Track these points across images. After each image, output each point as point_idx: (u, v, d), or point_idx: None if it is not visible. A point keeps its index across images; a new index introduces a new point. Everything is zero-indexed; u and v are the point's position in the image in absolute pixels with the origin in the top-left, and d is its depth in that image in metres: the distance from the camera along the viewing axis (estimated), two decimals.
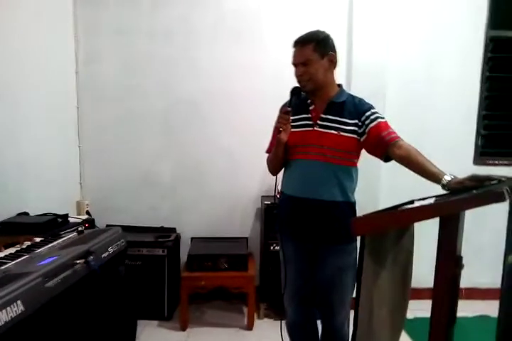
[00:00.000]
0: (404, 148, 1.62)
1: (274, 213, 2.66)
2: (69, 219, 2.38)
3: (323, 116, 1.71)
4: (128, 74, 2.97)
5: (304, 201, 1.71)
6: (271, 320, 2.69)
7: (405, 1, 2.92)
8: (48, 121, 2.62)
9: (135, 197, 3.05)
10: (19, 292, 1.14)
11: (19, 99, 2.36)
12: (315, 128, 1.71)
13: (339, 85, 1.80)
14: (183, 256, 2.84)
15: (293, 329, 1.88)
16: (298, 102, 1.75)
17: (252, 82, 2.95)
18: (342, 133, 1.68)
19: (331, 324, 1.80)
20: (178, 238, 2.86)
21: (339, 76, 1.90)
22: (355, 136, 1.70)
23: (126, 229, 2.00)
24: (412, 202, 1.36)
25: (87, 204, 2.95)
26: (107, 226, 2.71)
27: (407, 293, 1.39)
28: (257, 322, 2.63)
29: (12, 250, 1.59)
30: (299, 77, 1.72)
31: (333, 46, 1.73)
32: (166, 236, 2.74)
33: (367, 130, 1.69)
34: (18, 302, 1.12)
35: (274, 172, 1.87)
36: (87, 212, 2.88)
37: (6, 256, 1.53)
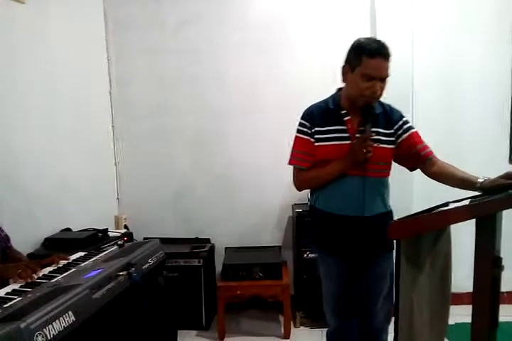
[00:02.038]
0: (438, 165, 1.60)
1: (307, 224, 2.67)
2: (108, 233, 2.49)
3: (361, 129, 1.61)
4: (158, 92, 3.09)
5: (347, 219, 1.63)
6: (307, 328, 2.68)
7: None
8: (85, 141, 2.76)
9: (170, 209, 3.14)
10: (70, 303, 1.21)
11: (58, 120, 2.50)
12: (353, 142, 1.61)
13: None
14: (218, 266, 2.90)
15: (335, 339, 1.84)
16: (328, 111, 1.67)
17: (281, 92, 2.99)
18: (381, 145, 1.60)
19: (371, 331, 1.78)
20: (212, 248, 2.92)
21: None
22: (392, 146, 1.64)
23: (163, 241, 2.06)
24: (446, 204, 1.35)
25: (125, 219, 3.06)
26: (144, 239, 2.80)
27: (447, 297, 1.37)
28: (293, 331, 2.63)
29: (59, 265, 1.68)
30: (374, 92, 1.56)
31: None
32: (200, 247, 2.80)
33: (399, 140, 1.64)
34: (70, 312, 1.19)
35: (306, 188, 1.82)
36: (125, 226, 2.99)
37: (54, 270, 1.62)
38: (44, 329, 1.08)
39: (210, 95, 3.06)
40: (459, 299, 2.00)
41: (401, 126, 1.65)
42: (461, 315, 1.58)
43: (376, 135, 1.60)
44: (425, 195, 2.56)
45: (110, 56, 3.06)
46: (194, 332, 2.65)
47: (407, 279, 1.23)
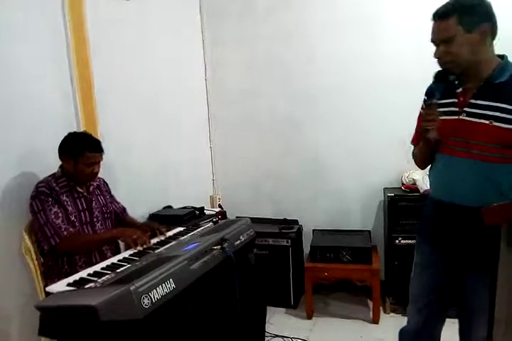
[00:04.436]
0: None
1: (400, 209, 2.58)
2: (204, 211, 2.68)
3: (472, 102, 1.38)
4: (250, 78, 3.18)
5: (449, 207, 1.45)
6: (398, 315, 2.61)
7: None
8: (183, 126, 2.97)
9: (260, 191, 3.26)
10: (171, 272, 1.34)
11: (160, 108, 2.73)
12: (460, 117, 1.40)
13: (502, 57, 1.40)
14: (305, 248, 2.95)
15: (403, 337, 1.69)
16: (445, 85, 1.46)
17: (374, 72, 2.87)
18: (496, 124, 1.33)
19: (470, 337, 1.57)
20: (300, 229, 2.97)
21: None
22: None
23: (253, 220, 2.15)
24: None
25: (219, 198, 3.26)
26: (236, 217, 2.96)
27: None
28: (383, 317, 2.59)
29: (162, 237, 1.87)
30: (438, 58, 1.40)
31: (487, 14, 1.34)
32: (289, 228, 2.86)
33: None
34: (171, 280, 1.33)
35: (420, 167, 1.67)
36: (219, 205, 3.19)
37: (157, 242, 1.81)
38: (149, 293, 1.22)
39: (301, 79, 3.06)
40: None
41: None
42: None
43: (492, 110, 1.35)
44: None
45: (205, 44, 3.21)
46: (282, 310, 2.76)
47: (507, 268, 1.12)
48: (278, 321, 2.53)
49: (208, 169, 3.32)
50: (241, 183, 3.30)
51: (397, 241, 2.62)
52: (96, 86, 2.16)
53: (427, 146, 1.51)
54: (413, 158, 1.66)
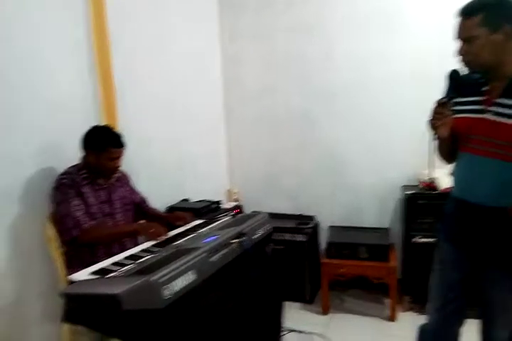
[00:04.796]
0: None
1: (418, 207, 2.54)
2: (221, 205, 2.69)
3: (498, 101, 1.35)
4: (267, 73, 3.17)
5: (471, 206, 1.43)
6: (415, 313, 2.59)
7: None
8: (201, 121, 2.99)
9: (276, 186, 3.25)
10: (191, 263, 1.35)
11: (177, 103, 2.74)
12: (485, 116, 1.38)
13: None
14: (322, 244, 2.94)
15: (421, 335, 1.69)
16: (471, 80, 1.45)
17: (393, 68, 2.84)
18: (507, 121, 1.32)
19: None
20: (316, 225, 2.96)
21: None
22: None
23: (270, 215, 2.14)
24: None
25: (235, 193, 3.27)
26: (253, 212, 2.96)
27: None
28: (399, 315, 2.57)
29: (181, 229, 1.89)
30: (460, 56, 1.39)
31: None
32: (305, 224, 2.86)
33: None
34: (191, 271, 1.34)
35: (445, 162, 1.63)
36: (236, 200, 3.19)
37: (177, 234, 1.82)
38: (170, 284, 1.23)
39: (319, 75, 3.03)
40: None
41: None
42: None
43: (503, 108, 1.34)
44: None
45: (223, 38, 3.21)
46: (298, 305, 2.76)
47: None
48: (293, 316, 2.52)
49: (225, 163, 3.34)
50: (258, 178, 3.30)
51: (414, 240, 2.59)
52: (116, 79, 2.17)
53: (442, 143, 1.51)
54: (438, 154, 1.64)
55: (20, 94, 1.76)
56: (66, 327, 1.82)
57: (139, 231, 1.78)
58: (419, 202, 2.60)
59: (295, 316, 2.58)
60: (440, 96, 1.45)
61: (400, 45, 2.81)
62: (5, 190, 1.71)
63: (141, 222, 2.02)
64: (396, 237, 2.91)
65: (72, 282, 1.34)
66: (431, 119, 1.43)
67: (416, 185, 2.77)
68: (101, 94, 2.10)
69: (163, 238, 1.72)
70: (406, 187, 2.80)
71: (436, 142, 1.59)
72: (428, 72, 2.66)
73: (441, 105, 1.41)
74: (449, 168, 1.63)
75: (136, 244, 1.81)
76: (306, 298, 2.77)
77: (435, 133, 1.45)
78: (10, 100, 1.72)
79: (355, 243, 2.61)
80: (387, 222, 3.01)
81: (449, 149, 1.53)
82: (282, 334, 2.14)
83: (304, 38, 3.03)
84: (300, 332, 2.38)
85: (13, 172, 1.74)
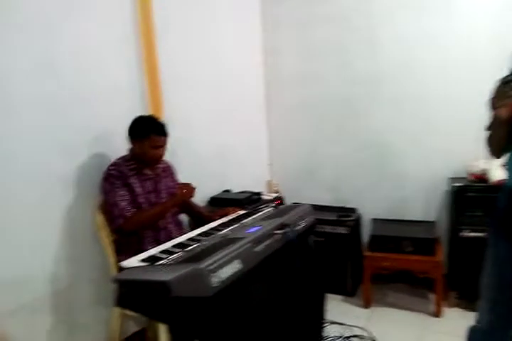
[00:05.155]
0: None
1: (467, 200, 2.43)
2: (262, 196, 2.70)
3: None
4: (308, 61, 3.12)
5: None
6: (461, 309, 2.50)
7: None
8: (241, 111, 2.99)
9: (317, 177, 3.22)
10: (237, 252, 1.36)
11: (220, 92, 2.76)
12: None
13: None
14: (364, 236, 2.89)
15: (473, 336, 1.61)
16: None
17: (443, 53, 2.71)
18: None
19: None
20: (358, 218, 2.91)
21: None
22: None
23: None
24: None
25: (276, 184, 3.26)
26: (292, 203, 2.95)
27: None
28: (445, 311, 2.49)
29: (225, 219, 1.91)
30: None
31: None
32: (347, 216, 2.82)
33: None
34: (236, 261, 1.35)
35: (495, 155, 1.54)
36: (276, 191, 3.19)
37: (221, 224, 1.85)
38: (218, 272, 1.25)
39: (362, 61, 2.95)
40: None
41: None
42: None
43: None
44: None
45: (265, 28, 3.19)
46: (340, 297, 2.74)
47: None
48: (334, 308, 2.50)
49: (265, 154, 3.34)
50: (298, 169, 3.28)
51: (462, 234, 2.49)
52: (161, 71, 2.22)
53: (498, 128, 1.39)
54: (487, 144, 1.53)
55: (73, 86, 1.85)
56: (115, 310, 1.90)
57: (175, 199, 1.91)
58: (468, 195, 2.49)
59: (336, 308, 2.56)
60: (503, 76, 1.35)
61: (453, 28, 2.67)
62: (59, 178, 1.80)
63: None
64: (442, 231, 2.82)
65: (123, 268, 1.39)
66: (492, 98, 1.34)
67: (464, 177, 2.65)
68: (147, 86, 2.15)
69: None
70: (454, 179, 2.69)
71: (488, 132, 1.49)
72: (482, 57, 2.53)
73: (504, 84, 1.32)
74: (503, 159, 1.53)
75: (181, 231, 1.86)
76: (348, 290, 2.74)
77: (494, 115, 1.35)
78: (64, 91, 1.81)
79: (399, 236, 2.55)
80: (433, 214, 2.90)
81: (504, 136, 1.42)
82: (324, 326, 2.14)
83: (345, 23, 2.95)
84: (341, 324, 2.36)
85: (67, 160, 1.83)
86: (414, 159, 2.92)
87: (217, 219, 1.93)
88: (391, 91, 2.90)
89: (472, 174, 2.59)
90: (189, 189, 1.97)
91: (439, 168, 2.83)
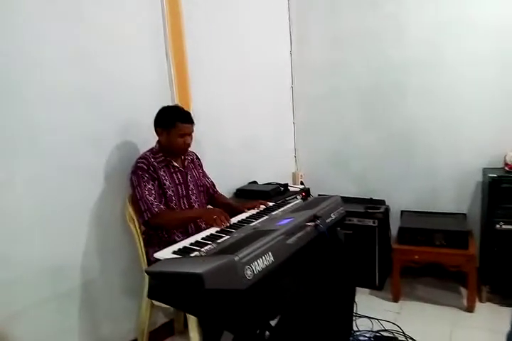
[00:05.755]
0: None
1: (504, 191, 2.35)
2: (288, 187, 2.66)
3: None
4: (336, 50, 3.05)
5: None
6: (495, 305, 2.43)
7: None
8: (268, 102, 2.94)
9: (344, 168, 3.16)
10: (269, 245, 1.34)
11: (247, 83, 2.72)
12: None
13: None
14: (393, 229, 2.83)
15: None
16: None
17: (476, 41, 2.60)
18: None
19: None
20: (387, 210, 2.84)
21: None
22: None
23: None
24: None
25: (301, 175, 3.22)
26: (318, 195, 2.90)
27: None
28: (478, 305, 2.42)
29: (253, 211, 1.88)
30: None
31: None
32: (375, 208, 2.75)
33: None
34: (269, 253, 1.32)
35: None
36: (301, 183, 3.15)
37: (250, 215, 1.82)
38: (251, 264, 1.23)
39: (391, 49, 2.86)
40: None
41: None
42: None
43: None
44: None
45: (292, 16, 3.12)
46: (367, 291, 2.69)
47: None
48: (362, 302, 2.45)
49: (291, 145, 3.29)
50: (324, 160, 3.23)
51: (497, 226, 2.40)
52: (189, 62, 2.19)
53: None
54: None
55: (103, 75, 1.84)
56: (144, 301, 1.91)
57: (203, 217, 1.78)
58: (504, 186, 2.40)
59: (364, 302, 2.50)
60: None
61: (485, 14, 2.55)
62: (90, 169, 1.81)
63: (209, 207, 2.04)
64: (474, 223, 2.73)
65: (156, 260, 1.38)
66: None
67: (500, 168, 2.55)
68: (175, 78, 2.14)
69: (225, 226, 1.67)
70: (488, 169, 2.59)
71: None
72: (504, 45, 2.42)
73: None
74: None
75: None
76: (376, 284, 2.69)
77: None
78: (93, 83, 1.81)
79: (430, 229, 2.47)
80: (465, 207, 2.81)
81: None
82: (354, 319, 2.11)
83: (374, 10, 2.86)
84: (370, 318, 2.32)
85: (96, 151, 1.84)
86: (446, 149, 2.82)
87: (245, 212, 1.90)
88: (422, 79, 2.80)
89: (508, 164, 2.49)
90: (220, 218, 1.70)
91: (472, 158, 2.73)
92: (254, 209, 1.93)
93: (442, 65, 2.72)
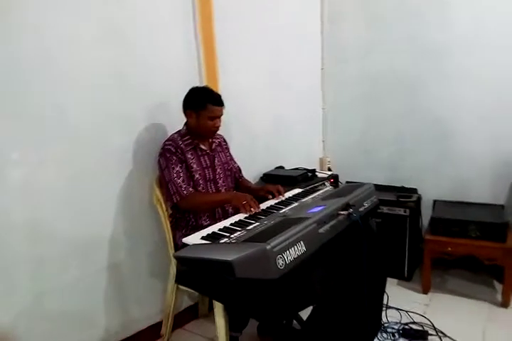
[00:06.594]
0: None
1: None
2: (316, 173, 2.58)
3: None
4: (370, 31, 2.90)
5: None
6: None
7: None
8: (296, 85, 2.84)
9: (374, 155, 3.04)
10: (301, 234, 1.28)
11: (274, 65, 2.61)
12: None
13: None
14: (424, 218, 2.72)
15: None
16: None
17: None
18: None
19: None
20: (419, 199, 2.73)
21: None
22: None
23: None
24: None
25: (329, 161, 3.12)
26: (346, 182, 2.82)
27: None
28: None
29: (282, 198, 1.82)
30: None
31: None
32: (407, 197, 2.64)
33: None
34: (301, 242, 1.27)
35: None
36: (329, 168, 3.06)
37: (279, 202, 1.76)
38: (283, 254, 1.17)
39: (430, 31, 2.68)
40: None
41: None
42: None
43: None
44: None
45: None
46: (395, 281, 2.61)
47: None
48: (391, 293, 2.39)
49: (319, 130, 3.18)
50: (353, 146, 3.12)
51: None
52: (217, 45, 2.13)
53: None
54: None
55: (134, 56, 1.80)
56: (170, 285, 1.90)
57: (232, 201, 1.71)
58: None
59: (392, 292, 2.42)
60: None
61: None
62: (118, 150, 1.78)
63: (236, 192, 1.98)
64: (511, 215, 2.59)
65: (183, 245, 1.35)
66: None
67: None
68: (204, 60, 2.08)
69: (253, 212, 1.61)
70: None
71: None
72: None
73: None
74: None
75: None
76: (404, 274, 2.61)
77: None
78: (125, 63, 1.77)
79: (465, 220, 2.35)
80: (503, 197, 2.67)
81: None
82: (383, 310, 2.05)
83: None
84: (399, 309, 2.25)
85: (126, 132, 1.81)
86: (483, 137, 2.66)
87: (262, 195, 1.84)
88: (461, 64, 2.62)
89: None
90: (250, 203, 1.64)
91: (510, 147, 2.57)
92: (269, 192, 1.86)
93: (483, 50, 2.54)
